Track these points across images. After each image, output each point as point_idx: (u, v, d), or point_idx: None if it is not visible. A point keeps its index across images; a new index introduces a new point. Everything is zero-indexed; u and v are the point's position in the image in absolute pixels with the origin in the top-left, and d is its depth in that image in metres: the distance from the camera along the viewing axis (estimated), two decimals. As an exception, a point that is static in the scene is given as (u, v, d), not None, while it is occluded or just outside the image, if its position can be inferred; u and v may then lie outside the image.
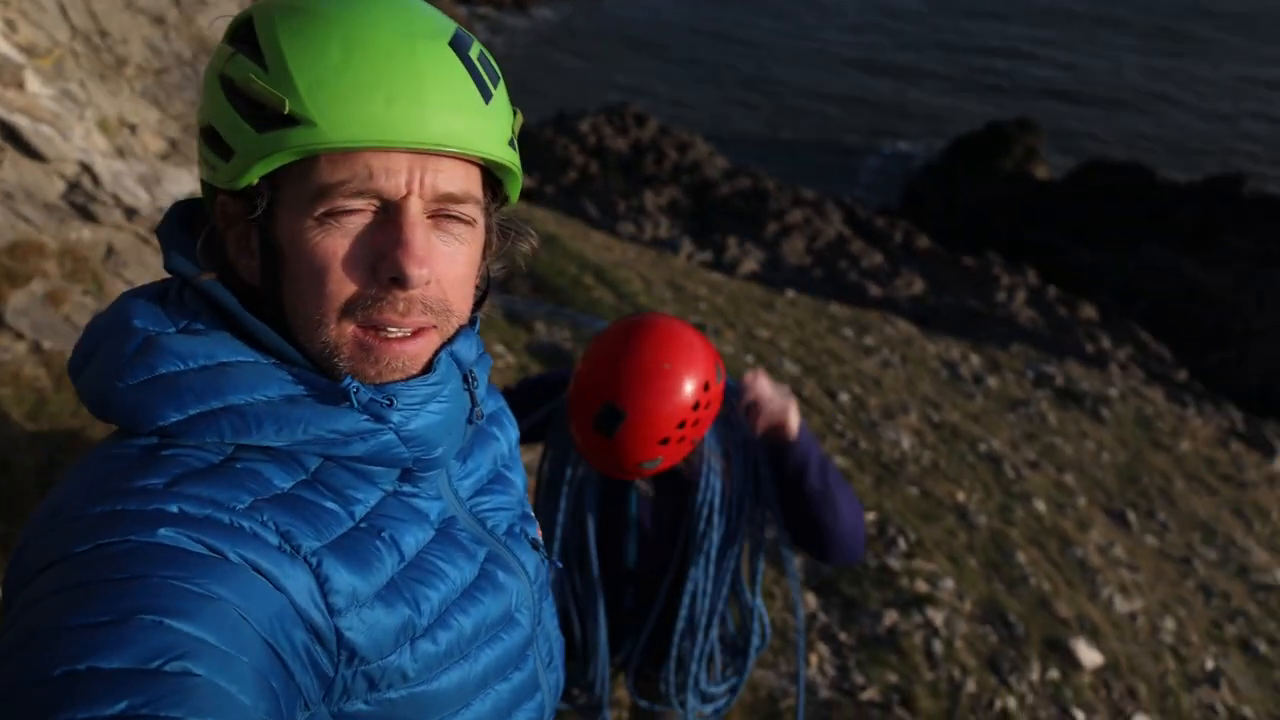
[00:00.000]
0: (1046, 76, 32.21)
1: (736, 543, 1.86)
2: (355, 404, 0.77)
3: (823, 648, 3.87)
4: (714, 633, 1.94)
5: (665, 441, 1.62)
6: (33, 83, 4.05)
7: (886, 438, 6.43)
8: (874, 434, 6.46)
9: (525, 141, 22.10)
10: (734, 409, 1.85)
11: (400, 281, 0.76)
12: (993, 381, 9.40)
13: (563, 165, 20.27)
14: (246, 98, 0.74)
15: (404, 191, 0.76)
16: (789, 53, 33.41)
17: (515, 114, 0.86)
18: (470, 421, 0.89)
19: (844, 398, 7.01)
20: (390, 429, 0.80)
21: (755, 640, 1.99)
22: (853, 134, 27.54)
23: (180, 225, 0.84)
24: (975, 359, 10.12)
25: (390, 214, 0.76)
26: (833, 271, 16.20)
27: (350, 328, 0.78)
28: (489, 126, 0.79)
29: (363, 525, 0.80)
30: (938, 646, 3.99)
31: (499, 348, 5.97)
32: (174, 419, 0.75)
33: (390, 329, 0.78)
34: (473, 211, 0.82)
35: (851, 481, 5.28)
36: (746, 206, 18.70)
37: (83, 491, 0.72)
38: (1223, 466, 9.48)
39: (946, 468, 6.26)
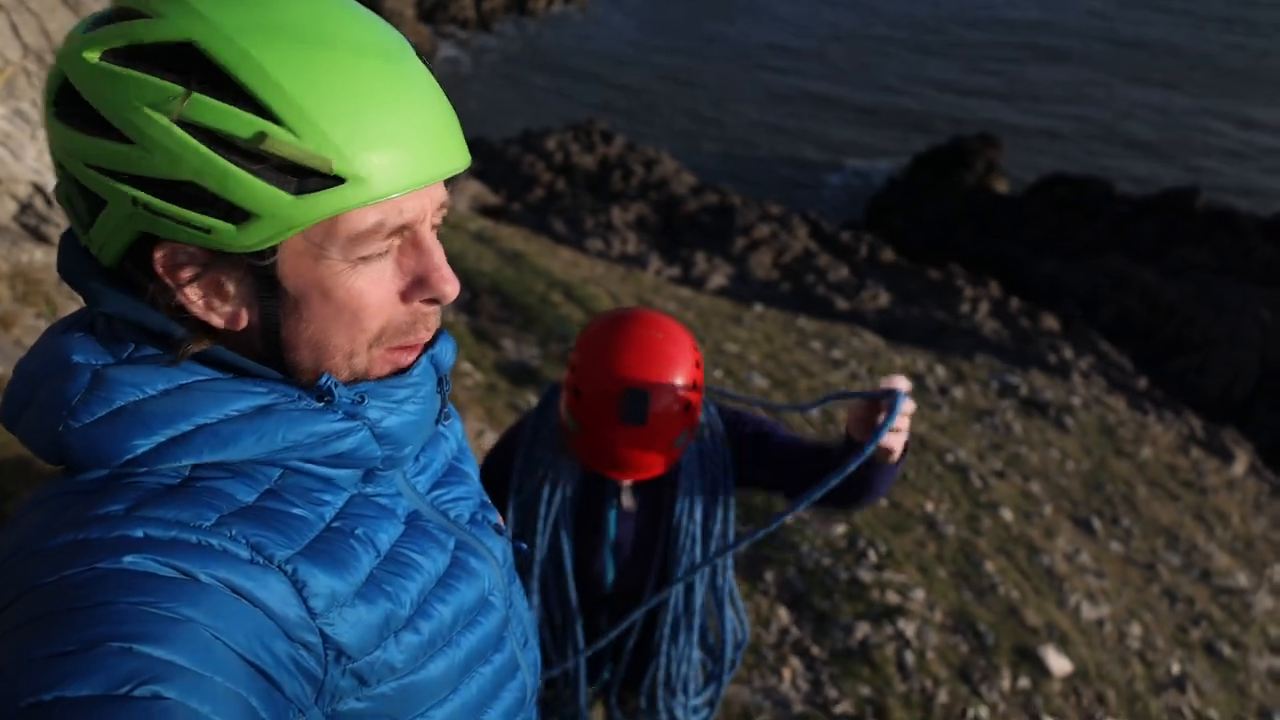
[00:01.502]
0: (1004, 97, 32.85)
1: (715, 543, 1.86)
2: (336, 400, 0.78)
3: (795, 662, 3.86)
4: (694, 639, 1.93)
5: (688, 408, 1.65)
6: (-16, 102, 3.97)
7: (855, 450, 6.45)
8: (843, 446, 6.48)
9: (492, 159, 21.93)
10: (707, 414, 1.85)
11: (438, 302, 0.79)
12: (958, 392, 9.50)
13: (529, 183, 20.27)
14: (258, 155, 0.67)
15: (424, 216, 0.77)
16: (750, 72, 33.77)
17: None
18: (437, 423, 0.90)
19: (813, 411, 7.04)
20: (366, 425, 0.80)
21: (731, 641, 1.97)
22: (816, 150, 27.85)
23: (90, 263, 0.77)
24: (941, 370, 10.23)
25: (412, 238, 0.77)
26: (800, 285, 16.33)
27: (380, 352, 0.80)
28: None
29: (334, 525, 0.79)
30: (910, 658, 4.00)
31: (466, 365, 5.93)
32: (142, 448, 0.73)
33: (415, 341, 0.82)
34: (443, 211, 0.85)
35: (821, 494, 5.29)
36: (714, 222, 18.81)
37: (41, 526, 0.70)
38: (1184, 473, 9.65)
39: (915, 478, 6.30)
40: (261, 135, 0.66)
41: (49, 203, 3.78)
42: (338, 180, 0.69)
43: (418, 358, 0.84)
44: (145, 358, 0.76)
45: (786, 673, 3.78)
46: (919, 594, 4.46)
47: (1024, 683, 4.17)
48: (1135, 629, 5.48)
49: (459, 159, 0.77)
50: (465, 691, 0.90)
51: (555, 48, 35.32)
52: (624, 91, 32.00)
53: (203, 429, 0.74)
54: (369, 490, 0.85)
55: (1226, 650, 5.93)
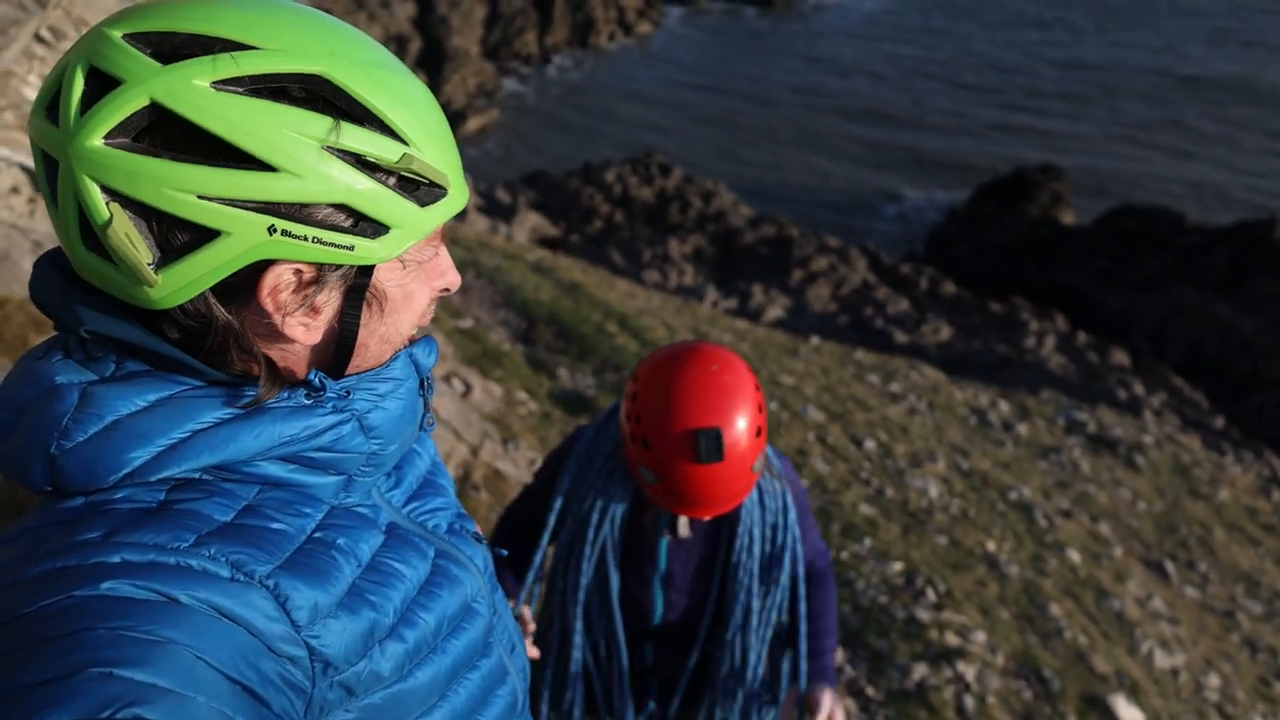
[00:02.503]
0: (1065, 126, 32.26)
1: (776, 573, 1.83)
2: (328, 393, 0.80)
3: (850, 702, 3.76)
4: (761, 662, 1.89)
5: (759, 433, 1.65)
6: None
7: (914, 486, 6.31)
8: (901, 482, 6.35)
9: (552, 191, 22.31)
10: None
11: (449, 290, 0.88)
12: (1023, 428, 9.25)
13: (588, 215, 20.50)
14: (390, 172, 0.74)
15: None
16: (809, 108, 33.76)
17: None
18: (421, 428, 0.93)
19: (870, 445, 6.91)
20: (354, 417, 0.82)
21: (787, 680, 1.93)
22: (874, 183, 27.67)
23: (74, 287, 0.76)
24: (1004, 405, 9.97)
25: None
26: (858, 318, 16.14)
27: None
28: None
29: (315, 537, 0.80)
30: (969, 702, 3.86)
31: (521, 394, 5.97)
32: (140, 460, 0.73)
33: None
34: None
35: (878, 530, 5.18)
36: (771, 254, 18.76)
37: (19, 558, 0.71)
38: (1264, 516, 9.21)
39: (976, 516, 6.13)
40: (408, 158, 0.74)
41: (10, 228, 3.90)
42: (444, 192, 0.79)
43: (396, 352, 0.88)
44: (130, 374, 0.76)
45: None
46: (980, 636, 4.31)
47: (1092, 732, 4.00)
48: (1213, 680, 5.21)
49: None
50: (454, 698, 0.90)
51: (615, 81, 35.86)
52: (682, 124, 32.28)
53: (199, 434, 0.75)
54: (349, 501, 0.86)
55: (1313, 705, 5.60)
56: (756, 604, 1.84)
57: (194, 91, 0.66)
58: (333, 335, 0.79)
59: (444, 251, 0.88)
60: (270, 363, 0.78)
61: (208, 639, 0.68)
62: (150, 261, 0.69)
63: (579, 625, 1.87)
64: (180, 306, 0.72)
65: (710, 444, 1.59)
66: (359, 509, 0.87)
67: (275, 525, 0.78)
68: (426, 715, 0.87)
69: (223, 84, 0.67)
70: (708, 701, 1.91)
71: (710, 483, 1.63)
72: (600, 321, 8.16)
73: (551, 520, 1.85)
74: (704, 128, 32.05)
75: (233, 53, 0.68)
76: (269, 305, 0.73)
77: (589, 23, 38.73)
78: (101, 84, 0.68)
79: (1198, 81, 36.02)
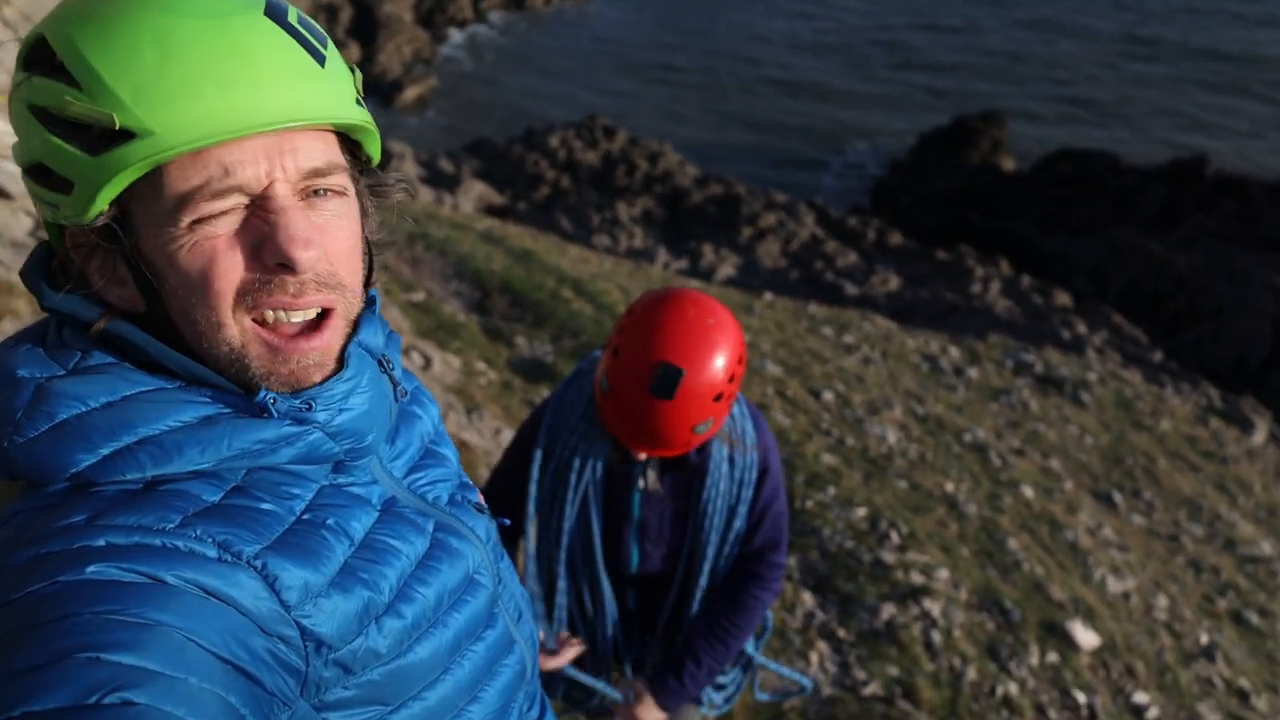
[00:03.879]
0: (1004, 72, 32.63)
1: (741, 527, 1.87)
2: (274, 414, 0.76)
3: (822, 645, 3.87)
4: None
5: (719, 398, 1.66)
6: (-5, 122, 4.00)
7: (873, 433, 6.45)
8: (860, 430, 6.48)
9: (496, 159, 21.88)
10: (740, 415, 1.88)
11: (289, 267, 0.74)
12: (973, 372, 9.47)
13: (534, 181, 20.28)
14: (67, 122, 0.70)
15: (266, 180, 0.74)
16: (748, 62, 33.63)
17: (354, 72, 0.83)
18: (396, 400, 0.90)
19: (828, 396, 7.04)
20: (316, 428, 0.79)
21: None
22: (819, 137, 27.72)
23: (45, 265, 0.81)
24: (955, 351, 10.19)
25: (261, 205, 0.74)
26: (809, 272, 16.29)
27: (247, 322, 0.76)
28: (331, 89, 0.77)
29: (305, 518, 0.79)
30: (936, 637, 4.00)
31: (480, 364, 5.95)
32: (86, 462, 0.72)
33: (287, 313, 0.77)
34: (342, 181, 0.80)
35: (840, 478, 5.30)
36: (719, 213, 18.78)
37: (5, 543, 0.70)
38: (1204, 443, 9.60)
39: (934, 459, 6.29)
40: (62, 100, 0.69)
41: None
42: (127, 135, 0.69)
43: (344, 352, 0.81)
44: (91, 368, 0.76)
45: (814, 656, 3.79)
46: (943, 573, 4.46)
47: (1052, 657, 4.17)
48: (1162, 600, 5.46)
49: (289, 110, 0.73)
50: (458, 670, 0.90)
51: (554, 45, 35.28)
52: (624, 86, 31.95)
53: (146, 441, 0.74)
54: (340, 480, 0.85)
55: (1254, 619, 5.90)
56: (718, 559, 1.89)
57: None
58: (140, 304, 0.79)
59: (276, 213, 0.74)
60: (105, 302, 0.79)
61: (196, 620, 0.67)
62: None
63: (563, 570, 1.90)
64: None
65: (667, 379, 1.62)
66: (352, 487, 0.85)
67: (264, 506, 0.77)
68: (429, 688, 0.87)
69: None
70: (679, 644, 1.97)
71: (651, 417, 1.67)
72: (554, 288, 8.13)
73: (535, 471, 1.87)
74: (646, 88, 31.77)
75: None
76: (75, 259, 0.78)
77: (524, -16, 37.96)
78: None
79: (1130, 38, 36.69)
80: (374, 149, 0.85)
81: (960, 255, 17.13)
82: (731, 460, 1.85)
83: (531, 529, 1.91)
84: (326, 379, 0.79)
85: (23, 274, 0.81)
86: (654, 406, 1.65)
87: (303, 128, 0.75)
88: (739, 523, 1.87)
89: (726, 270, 15.90)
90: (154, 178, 0.72)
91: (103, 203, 0.72)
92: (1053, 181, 20.44)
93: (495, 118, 27.20)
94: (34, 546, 0.69)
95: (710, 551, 1.87)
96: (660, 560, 1.92)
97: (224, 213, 0.73)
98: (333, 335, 0.80)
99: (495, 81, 31.70)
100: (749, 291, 12.23)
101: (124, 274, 0.77)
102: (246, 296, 0.75)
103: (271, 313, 0.76)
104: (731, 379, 1.67)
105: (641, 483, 1.85)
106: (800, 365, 7.85)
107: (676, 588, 1.94)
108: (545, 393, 5.82)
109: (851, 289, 15.27)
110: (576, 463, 1.85)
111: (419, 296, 7.05)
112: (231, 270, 0.74)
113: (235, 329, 0.76)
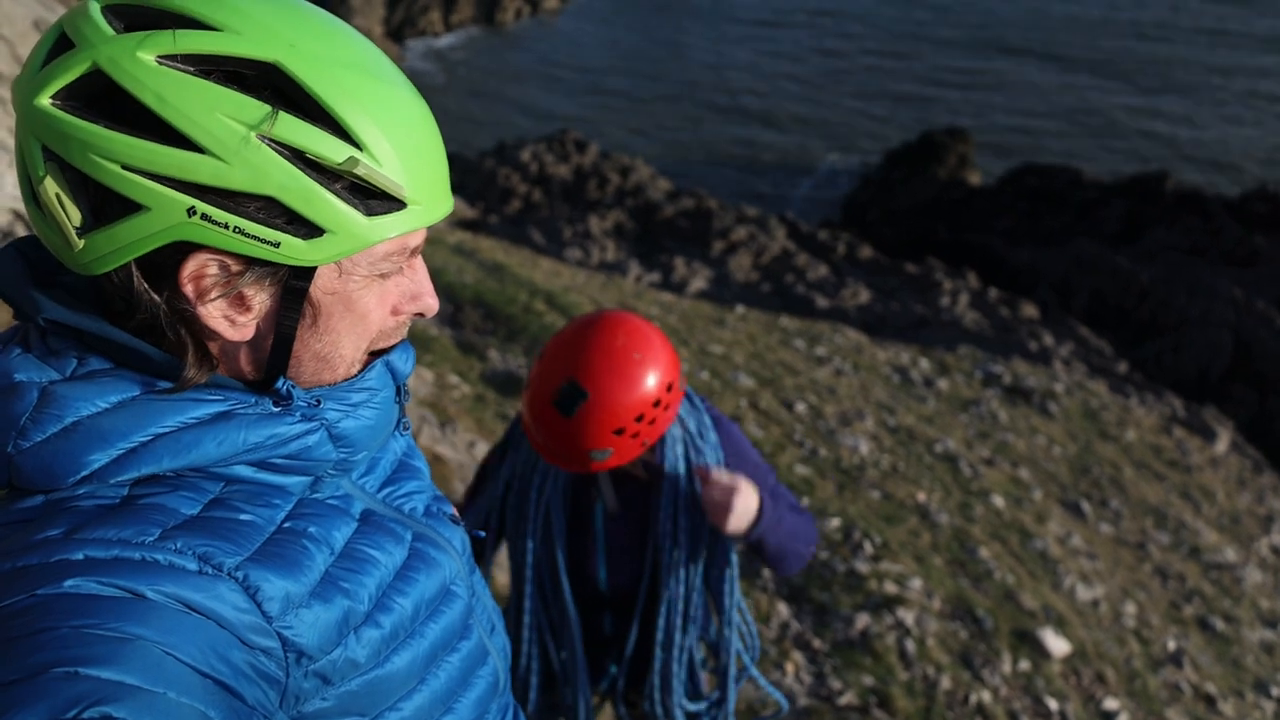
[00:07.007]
0: (971, 92, 33.19)
1: (703, 546, 1.84)
2: (296, 401, 0.79)
3: (798, 655, 3.87)
4: (690, 641, 1.90)
5: (620, 432, 1.60)
6: (-44, 133, 3.93)
7: (845, 444, 6.49)
8: (833, 441, 6.52)
9: (468, 173, 21.86)
10: (699, 420, 1.85)
11: (424, 315, 0.85)
12: (943, 384, 9.57)
13: (506, 195, 20.25)
14: (340, 176, 0.70)
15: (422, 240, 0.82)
16: (719, 78, 33.91)
17: None
18: (396, 430, 0.94)
19: (800, 408, 7.07)
20: (323, 426, 0.80)
21: (734, 649, 1.96)
22: (790, 152, 28.01)
23: (27, 272, 0.76)
24: (925, 363, 10.30)
25: (412, 258, 0.83)
26: (780, 285, 16.39)
27: (363, 357, 0.84)
28: None
29: (285, 527, 0.79)
30: (910, 646, 4.02)
31: (453, 378, 5.91)
32: (99, 462, 0.72)
33: (389, 346, 0.86)
34: None
35: (813, 490, 5.32)
36: (691, 227, 18.85)
37: None
38: (1168, 452, 9.76)
39: (905, 470, 6.34)
40: (353, 161, 0.70)
41: (29, 229, 3.75)
42: (401, 205, 0.74)
43: (370, 361, 0.85)
44: (92, 373, 0.74)
45: (790, 666, 3.80)
46: (916, 583, 4.49)
47: (1024, 665, 4.21)
48: (1130, 608, 5.53)
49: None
50: (434, 681, 0.90)
51: (524, 59, 35.35)
52: (596, 101, 32.06)
53: (162, 438, 0.74)
54: (316, 495, 0.85)
55: (1220, 625, 6.00)
56: (682, 580, 1.84)
57: (135, 63, 0.66)
58: (265, 337, 0.77)
59: (418, 271, 0.83)
60: (201, 349, 0.75)
61: (176, 634, 0.67)
62: (77, 225, 0.69)
63: (530, 590, 1.88)
64: (109, 277, 0.71)
65: (570, 397, 1.59)
66: (328, 501, 0.85)
67: (243, 516, 0.77)
68: (406, 699, 0.87)
69: (168, 59, 0.66)
70: (652, 666, 1.92)
71: (550, 429, 1.64)
72: (527, 301, 8.11)
73: (500, 488, 1.86)
74: (617, 102, 31.91)
75: (177, 30, 0.67)
76: (189, 290, 0.72)
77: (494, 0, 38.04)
78: (64, 49, 0.68)
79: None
80: None
81: (929, 268, 17.33)
82: (690, 474, 1.81)
83: (497, 547, 1.90)
84: (338, 381, 0.82)
85: (4, 283, 0.76)
86: (554, 419, 1.62)
87: None
88: (705, 526, 1.82)
89: (698, 283, 15.95)
90: None
91: (350, 252, 0.73)
92: (1018, 195, 20.78)
93: (466, 132, 27.16)
94: (10, 560, 0.67)
95: (666, 576, 1.82)
96: (629, 582, 1.89)
97: (399, 269, 0.81)
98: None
99: (466, 95, 31.69)
100: (721, 304, 12.28)
101: (263, 305, 0.75)
102: (375, 342, 0.83)
103: None
104: (640, 419, 1.60)
105: (601, 503, 1.84)
106: (773, 377, 7.89)
107: (641, 601, 1.89)
108: (519, 406, 5.80)
109: (823, 302, 15.39)
110: (536, 479, 1.83)
111: (391, 310, 7.00)
112: (383, 320, 0.82)
113: (358, 366, 0.83)
